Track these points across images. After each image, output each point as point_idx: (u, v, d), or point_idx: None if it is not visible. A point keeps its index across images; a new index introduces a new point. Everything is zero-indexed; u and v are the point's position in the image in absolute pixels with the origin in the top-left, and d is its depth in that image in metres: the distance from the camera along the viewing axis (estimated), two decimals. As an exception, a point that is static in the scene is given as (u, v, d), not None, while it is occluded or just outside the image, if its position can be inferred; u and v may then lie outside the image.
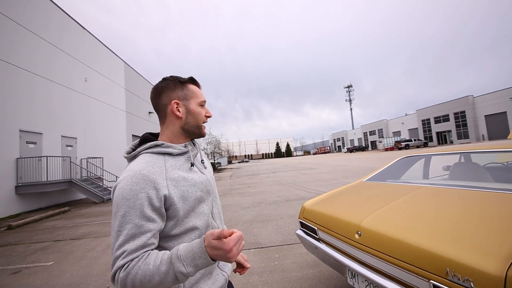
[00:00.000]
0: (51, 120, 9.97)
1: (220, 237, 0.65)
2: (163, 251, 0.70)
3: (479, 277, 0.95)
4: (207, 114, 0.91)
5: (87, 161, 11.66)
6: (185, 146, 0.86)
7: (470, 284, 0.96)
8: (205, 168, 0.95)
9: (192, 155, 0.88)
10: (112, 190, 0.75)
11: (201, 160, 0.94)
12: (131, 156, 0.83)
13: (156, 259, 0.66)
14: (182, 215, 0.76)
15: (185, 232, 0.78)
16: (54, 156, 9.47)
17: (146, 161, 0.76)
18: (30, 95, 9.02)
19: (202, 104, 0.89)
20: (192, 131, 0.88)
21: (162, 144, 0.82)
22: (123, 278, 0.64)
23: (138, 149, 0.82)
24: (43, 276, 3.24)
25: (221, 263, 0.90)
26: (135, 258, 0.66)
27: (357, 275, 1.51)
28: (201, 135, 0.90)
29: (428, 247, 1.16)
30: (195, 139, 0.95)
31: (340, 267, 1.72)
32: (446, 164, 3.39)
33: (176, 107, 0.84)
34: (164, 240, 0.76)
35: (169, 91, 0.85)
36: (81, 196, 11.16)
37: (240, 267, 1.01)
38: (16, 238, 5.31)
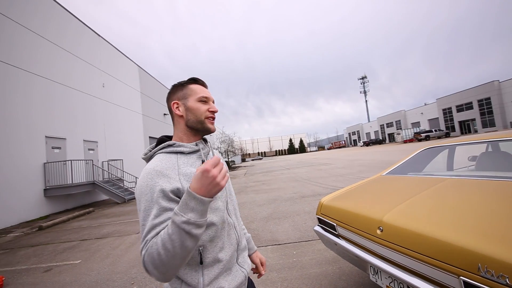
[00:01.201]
0: (73, 125, 10.48)
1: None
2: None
3: (516, 273, 0.88)
4: (211, 109, 0.92)
5: (108, 164, 12.16)
6: (196, 145, 0.91)
7: (506, 281, 0.90)
8: None
9: (203, 153, 0.91)
10: (135, 189, 0.81)
11: None
12: (148, 157, 0.90)
13: (164, 231, 0.68)
14: None
15: None
16: (78, 160, 9.96)
17: (160, 159, 0.83)
18: (52, 102, 9.52)
19: (202, 100, 0.91)
20: (196, 127, 0.91)
21: (174, 144, 0.88)
22: (147, 259, 0.67)
23: (153, 150, 0.89)
24: (72, 273, 3.42)
25: (240, 259, 0.92)
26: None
27: (380, 271, 1.47)
28: (206, 130, 0.92)
29: (457, 241, 1.10)
30: (206, 137, 0.99)
31: (361, 264, 1.67)
32: (472, 155, 3.20)
33: (176, 107, 0.91)
34: None
35: (171, 95, 0.94)
36: (104, 197, 11.68)
37: (256, 269, 1.07)
38: (47, 238, 5.65)
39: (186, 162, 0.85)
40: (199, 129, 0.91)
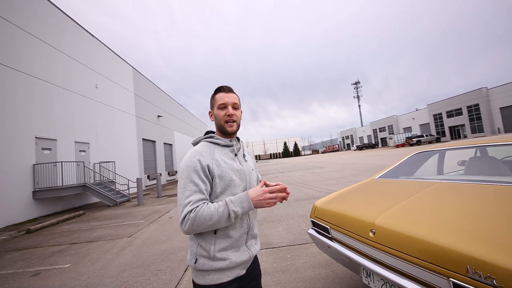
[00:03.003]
0: (64, 126, 10.27)
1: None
2: (218, 202, 0.99)
3: (502, 274, 0.91)
4: (228, 113, 1.11)
5: (99, 166, 11.94)
6: (230, 141, 1.14)
7: (493, 282, 0.93)
8: (246, 161, 1.19)
9: (235, 148, 1.15)
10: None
11: (243, 155, 1.21)
12: (195, 142, 1.16)
13: (214, 205, 0.96)
14: (219, 189, 1.03)
15: None
16: (69, 161, 9.75)
17: (202, 145, 1.11)
18: (43, 102, 9.32)
19: (221, 107, 1.12)
20: (221, 130, 1.15)
21: (214, 136, 1.14)
22: (193, 218, 0.92)
23: (199, 138, 1.16)
24: (61, 278, 3.33)
25: (249, 243, 1.11)
26: (198, 206, 0.95)
27: (372, 274, 1.49)
28: (226, 132, 1.13)
29: (446, 244, 1.13)
30: (239, 137, 1.23)
31: (354, 266, 1.69)
32: (461, 159, 3.29)
33: (211, 115, 1.18)
34: None
35: (210, 105, 1.19)
36: (95, 199, 11.44)
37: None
38: (35, 242, 5.50)
39: (220, 151, 1.10)
40: (222, 132, 1.14)
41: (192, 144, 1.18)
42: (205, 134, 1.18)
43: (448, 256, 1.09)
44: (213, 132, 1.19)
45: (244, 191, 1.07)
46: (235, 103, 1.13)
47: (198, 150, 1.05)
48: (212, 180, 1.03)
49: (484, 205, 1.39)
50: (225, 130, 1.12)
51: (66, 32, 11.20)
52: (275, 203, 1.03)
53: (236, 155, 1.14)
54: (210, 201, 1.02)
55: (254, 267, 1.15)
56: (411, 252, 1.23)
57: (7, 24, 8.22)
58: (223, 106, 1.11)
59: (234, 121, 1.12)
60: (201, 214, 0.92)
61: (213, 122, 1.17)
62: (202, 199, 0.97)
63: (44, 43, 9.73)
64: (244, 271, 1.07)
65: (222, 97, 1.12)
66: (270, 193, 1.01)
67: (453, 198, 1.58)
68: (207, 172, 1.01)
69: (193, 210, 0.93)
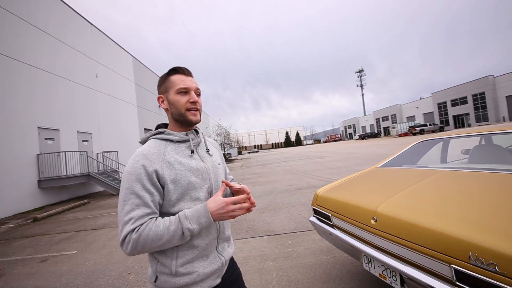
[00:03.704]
0: (66, 116, 10.30)
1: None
2: (170, 217, 0.81)
3: (504, 261, 0.91)
4: (191, 100, 0.90)
5: (102, 155, 12.04)
6: (186, 135, 0.94)
7: (495, 268, 0.93)
8: (210, 156, 1.01)
9: (193, 143, 0.95)
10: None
11: (207, 149, 1.01)
12: (142, 141, 0.95)
13: (164, 221, 0.78)
14: (174, 197, 0.84)
15: None
16: (72, 151, 9.84)
17: (149, 144, 0.89)
18: (44, 92, 9.31)
19: (181, 91, 0.90)
20: (179, 120, 0.92)
21: (165, 131, 0.92)
22: (136, 239, 0.74)
23: (147, 135, 0.94)
24: (68, 263, 3.43)
25: (220, 247, 0.95)
26: (143, 223, 0.76)
27: (373, 260, 1.50)
28: (188, 122, 0.92)
29: (449, 231, 1.12)
30: (197, 129, 1.02)
31: (355, 253, 1.71)
32: (465, 148, 3.25)
33: (161, 101, 0.95)
34: (164, 216, 0.84)
35: (158, 88, 0.97)
36: (99, 188, 11.62)
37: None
38: (42, 229, 5.63)
39: (173, 150, 0.90)
40: (182, 122, 0.92)
41: (139, 142, 0.96)
42: (156, 129, 0.96)
43: (451, 243, 1.09)
44: (165, 126, 0.98)
45: (205, 195, 0.91)
46: (198, 89, 0.94)
47: (143, 153, 0.83)
48: (164, 187, 0.83)
49: (487, 192, 1.38)
50: (188, 119, 0.91)
51: (69, 23, 11.09)
52: (239, 215, 0.84)
53: (193, 151, 0.93)
54: (161, 215, 0.84)
55: (231, 271, 1.00)
56: (413, 239, 1.23)
57: (11, 17, 8.08)
58: (184, 91, 0.90)
59: (197, 109, 0.93)
60: (146, 234, 0.74)
61: (166, 110, 0.95)
62: (147, 214, 0.78)
63: (48, 34, 9.63)
64: (219, 280, 0.92)
65: (182, 80, 0.91)
66: (234, 203, 0.82)
67: (456, 186, 1.57)
68: (155, 179, 0.81)
69: (136, 230, 0.74)
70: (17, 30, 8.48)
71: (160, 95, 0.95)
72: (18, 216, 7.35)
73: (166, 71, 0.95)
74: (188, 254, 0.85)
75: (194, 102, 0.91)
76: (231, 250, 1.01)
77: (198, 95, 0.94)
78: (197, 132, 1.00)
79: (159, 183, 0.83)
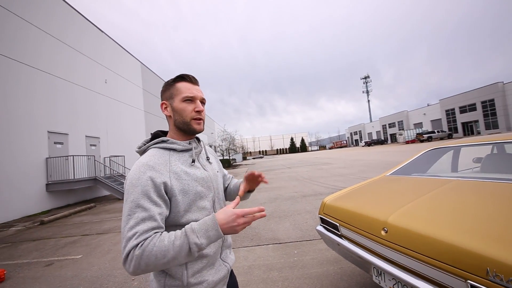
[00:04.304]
0: (75, 121, 10.50)
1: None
2: (176, 231, 0.75)
3: (526, 278, 0.86)
4: (197, 109, 0.90)
5: (110, 160, 12.19)
6: (189, 143, 0.93)
7: (515, 286, 0.88)
8: (210, 164, 1.01)
9: (195, 152, 0.93)
10: (125, 180, 0.82)
11: (207, 157, 1.01)
12: (141, 150, 0.92)
13: (170, 236, 0.72)
14: (183, 208, 0.82)
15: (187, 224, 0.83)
16: (80, 155, 9.99)
17: (152, 154, 0.85)
18: (54, 97, 9.54)
19: (187, 99, 0.89)
20: (183, 128, 0.91)
21: (168, 140, 0.90)
22: (139, 255, 0.68)
23: (147, 144, 0.91)
24: (73, 268, 3.43)
25: (223, 255, 0.95)
26: (147, 238, 0.71)
27: (384, 273, 1.45)
28: (192, 131, 0.92)
29: (464, 244, 1.07)
30: (199, 137, 1.02)
31: (364, 265, 1.65)
32: (477, 156, 3.17)
33: (165, 107, 0.92)
34: (171, 229, 0.80)
35: (161, 94, 0.94)
36: (106, 192, 11.72)
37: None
38: (48, 233, 5.68)
39: (177, 159, 0.88)
40: (186, 130, 0.91)
41: (137, 152, 0.93)
42: (153, 137, 0.93)
43: (467, 257, 1.04)
44: (163, 133, 0.96)
45: (210, 204, 0.91)
46: (203, 99, 0.94)
47: (149, 163, 0.80)
48: (171, 199, 0.81)
49: (504, 204, 1.32)
50: (192, 128, 0.90)
51: (83, 31, 11.44)
52: (243, 227, 0.77)
53: (194, 160, 0.91)
54: (168, 227, 0.81)
55: (232, 280, 1.01)
56: (427, 252, 1.18)
57: (27, 25, 8.37)
58: (191, 99, 0.89)
59: (201, 119, 0.92)
60: (150, 250, 0.68)
61: (168, 117, 0.93)
62: (152, 228, 0.73)
63: (63, 43, 9.94)
64: (224, 287, 0.93)
65: (188, 88, 0.89)
66: (245, 215, 0.76)
67: (471, 196, 1.51)
68: (163, 191, 0.78)
69: (140, 245, 0.69)
70: (29, 36, 8.76)
71: (164, 101, 0.92)
72: (26, 219, 7.44)
73: (173, 77, 0.94)
74: (198, 263, 0.84)
75: (199, 112, 0.91)
76: (233, 257, 1.02)
77: (203, 104, 0.94)
78: (198, 140, 1.00)
79: (167, 195, 0.80)
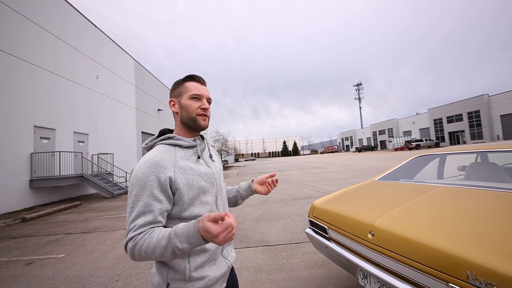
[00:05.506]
0: (64, 116, 10.21)
1: (216, 220, 0.69)
2: (166, 228, 0.78)
3: (503, 281, 0.90)
4: (202, 106, 0.95)
5: (98, 157, 11.90)
6: (194, 140, 0.97)
7: (494, 289, 0.91)
8: (213, 161, 1.05)
9: (199, 149, 0.98)
10: (130, 173, 0.85)
11: (210, 155, 1.06)
12: (148, 146, 0.96)
13: (159, 234, 0.75)
14: (187, 201, 0.86)
15: (191, 218, 0.86)
16: (67, 152, 9.71)
17: (159, 150, 0.89)
18: (43, 91, 9.26)
19: (194, 97, 0.95)
20: (188, 124, 0.96)
21: (174, 137, 0.94)
22: (132, 248, 0.75)
23: (154, 141, 0.95)
24: (54, 267, 3.32)
25: (225, 251, 0.98)
26: (142, 232, 0.76)
27: (369, 275, 1.47)
28: (198, 127, 0.96)
29: (446, 248, 1.11)
30: (203, 135, 1.06)
31: (351, 267, 1.67)
32: (461, 164, 3.27)
33: (173, 104, 0.98)
34: (174, 222, 0.85)
35: (171, 92, 1.01)
36: (92, 191, 11.43)
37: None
38: (30, 230, 5.48)
39: (182, 155, 0.92)
40: (191, 126, 0.96)
41: (144, 148, 0.97)
42: (160, 135, 0.98)
43: (448, 260, 1.07)
44: (169, 131, 1.00)
45: (213, 199, 0.95)
46: (209, 98, 0.99)
47: (155, 159, 0.83)
48: (176, 192, 0.84)
49: (485, 210, 1.37)
50: (197, 123, 0.95)
51: (71, 23, 11.14)
52: (229, 239, 0.70)
53: (199, 157, 0.95)
54: (171, 220, 0.86)
55: (231, 276, 1.03)
56: (411, 256, 1.21)
57: (14, 14, 8.12)
58: (197, 97, 0.95)
59: (207, 116, 0.97)
60: (140, 245, 0.73)
61: (176, 114, 0.98)
62: (150, 223, 0.77)
63: (50, 33, 9.67)
64: (224, 284, 0.95)
65: (196, 87, 0.95)
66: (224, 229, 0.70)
67: (454, 202, 1.56)
68: (167, 186, 0.82)
69: (134, 239, 0.75)
70: (19, 28, 8.50)
71: (173, 98, 0.99)
72: (6, 216, 7.15)
73: (182, 77, 1.00)
74: (200, 257, 0.86)
75: (205, 109, 0.96)
76: (234, 254, 1.04)
77: (209, 103, 1.00)
78: (202, 138, 1.04)
79: (171, 190, 0.83)
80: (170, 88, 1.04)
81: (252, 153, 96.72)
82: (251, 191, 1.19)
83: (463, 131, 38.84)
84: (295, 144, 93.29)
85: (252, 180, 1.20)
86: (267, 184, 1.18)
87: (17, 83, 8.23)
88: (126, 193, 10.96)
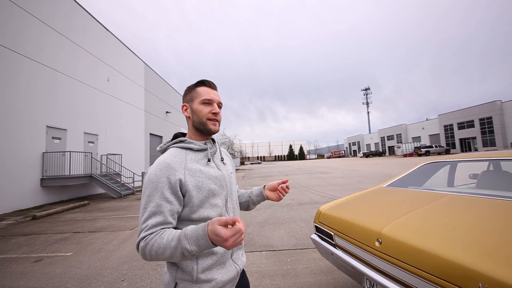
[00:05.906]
0: (75, 117, 10.48)
1: (227, 224, 0.70)
2: (176, 230, 0.80)
3: (517, 296, 0.86)
4: (213, 111, 0.97)
5: (107, 158, 12.12)
6: (205, 144, 0.99)
7: (507, 303, 0.88)
8: (224, 164, 1.05)
9: (210, 152, 0.99)
10: (144, 175, 0.88)
11: (221, 158, 1.06)
12: (162, 149, 1.00)
13: (169, 235, 0.77)
14: (196, 203, 0.87)
15: (200, 220, 0.88)
16: (77, 152, 9.93)
17: (171, 153, 0.93)
18: (56, 93, 9.53)
19: (205, 102, 0.97)
20: (199, 128, 0.98)
21: (185, 140, 0.97)
22: (143, 247, 0.77)
23: (168, 144, 1.00)
24: (62, 265, 3.38)
25: (235, 256, 0.97)
26: (153, 232, 0.78)
27: (376, 284, 1.44)
28: (208, 131, 0.98)
29: (458, 259, 1.08)
30: (214, 138, 1.07)
31: (357, 275, 1.64)
32: (473, 172, 3.19)
33: (185, 109, 1.01)
34: (184, 224, 0.88)
35: (183, 97, 1.04)
36: (100, 190, 11.62)
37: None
38: (40, 228, 5.60)
39: (193, 158, 0.94)
40: (202, 130, 0.98)
41: (159, 151, 1.01)
42: (173, 138, 1.01)
43: (459, 271, 1.04)
44: (183, 135, 1.03)
45: (223, 202, 0.95)
46: (220, 102, 1.01)
47: (166, 161, 0.87)
48: (186, 194, 0.86)
49: (498, 221, 1.33)
50: (207, 127, 0.96)
51: (88, 28, 11.53)
52: (237, 244, 0.71)
53: (209, 160, 0.97)
54: (181, 221, 0.88)
55: (241, 280, 1.02)
56: (420, 266, 1.18)
57: (31, 18, 8.42)
58: (208, 102, 0.96)
59: (217, 120, 0.99)
60: (151, 245, 0.76)
61: (188, 118, 1.00)
62: (161, 223, 0.80)
63: (66, 38, 9.98)
64: None
65: (207, 92, 0.97)
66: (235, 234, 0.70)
67: (466, 212, 1.52)
68: (178, 188, 0.84)
69: (145, 238, 0.77)
70: (37, 32, 8.81)
71: (185, 103, 1.01)
72: (18, 213, 7.34)
73: (194, 82, 1.03)
74: (208, 260, 0.87)
75: (215, 113, 0.97)
76: (244, 259, 1.03)
77: (220, 108, 1.01)
78: (213, 141, 1.06)
79: (181, 192, 0.86)
80: (177, 90, 1.06)
81: (258, 157, 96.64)
82: (263, 197, 1.18)
83: (474, 137, 37.88)
84: (301, 148, 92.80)
85: (264, 186, 1.20)
86: (278, 190, 1.16)
87: (31, 85, 8.51)
88: (133, 193, 11.11)
